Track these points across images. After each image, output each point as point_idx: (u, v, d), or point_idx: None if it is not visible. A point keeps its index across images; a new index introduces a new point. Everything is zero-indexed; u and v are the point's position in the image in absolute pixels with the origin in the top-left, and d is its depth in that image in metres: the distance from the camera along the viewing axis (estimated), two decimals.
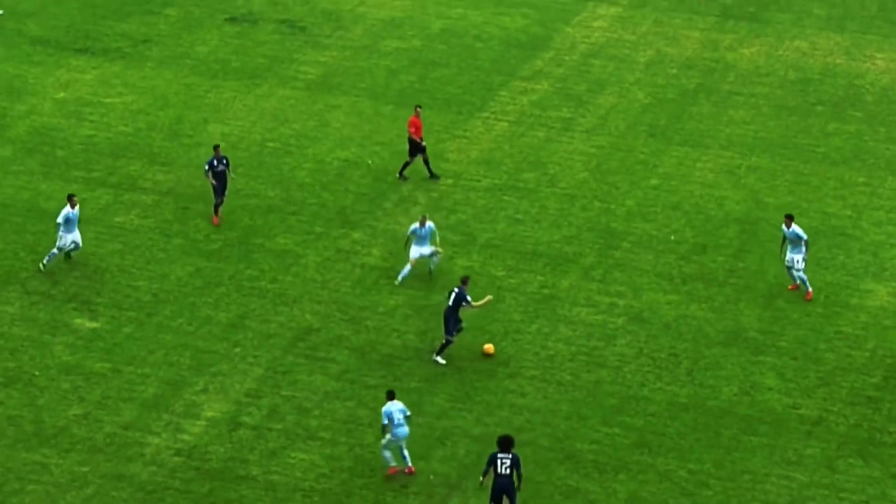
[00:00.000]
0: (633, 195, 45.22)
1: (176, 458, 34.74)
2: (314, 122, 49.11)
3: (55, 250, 40.59)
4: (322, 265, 41.78)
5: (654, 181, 45.89)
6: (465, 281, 37.89)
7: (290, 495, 33.81)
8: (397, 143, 47.81)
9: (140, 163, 46.51)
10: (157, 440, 35.24)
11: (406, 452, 34.03)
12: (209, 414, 36.03)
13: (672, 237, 43.24)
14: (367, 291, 40.72)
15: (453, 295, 37.47)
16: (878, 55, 53.34)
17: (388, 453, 33.95)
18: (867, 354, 38.25)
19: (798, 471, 34.48)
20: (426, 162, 45.47)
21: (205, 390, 36.84)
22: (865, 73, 52.12)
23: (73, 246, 40.65)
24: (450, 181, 45.86)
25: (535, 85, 51.48)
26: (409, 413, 34.09)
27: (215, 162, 42.65)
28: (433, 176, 45.47)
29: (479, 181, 45.89)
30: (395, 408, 33.83)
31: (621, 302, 40.27)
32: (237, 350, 38.26)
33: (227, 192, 43.02)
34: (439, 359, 37.69)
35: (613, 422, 35.99)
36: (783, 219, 40.41)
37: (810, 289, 40.09)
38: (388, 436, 33.82)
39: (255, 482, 34.14)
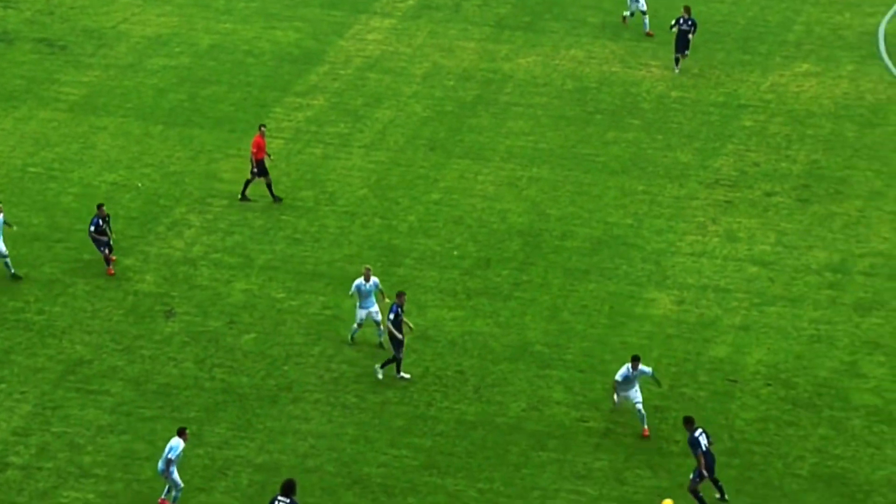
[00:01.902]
0: (415, 210, 45.48)
1: None
2: (79, 145, 48.30)
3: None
4: (92, 293, 41.09)
5: (435, 196, 46.22)
6: (400, 295, 37.74)
7: None
8: (168, 164, 47.31)
9: None
10: None
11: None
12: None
13: (455, 252, 43.60)
14: (140, 319, 40.19)
15: (392, 314, 37.42)
16: (653, 63, 54.60)
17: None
18: (652, 364, 39.03)
19: (588, 484, 35.02)
20: (269, 185, 45.10)
21: None
22: (641, 81, 53.32)
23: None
24: (225, 202, 45.53)
25: (310, 100, 51.46)
26: (169, 456, 33.44)
27: (100, 222, 41.22)
28: (243, 197, 45.06)
29: (255, 201, 45.66)
30: (172, 442, 33.63)
31: (406, 320, 40.39)
32: (2, 387, 37.35)
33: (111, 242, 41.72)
34: (405, 374, 37.96)
35: (401, 443, 36.09)
36: (629, 360, 36.26)
37: (646, 426, 36.38)
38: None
39: None
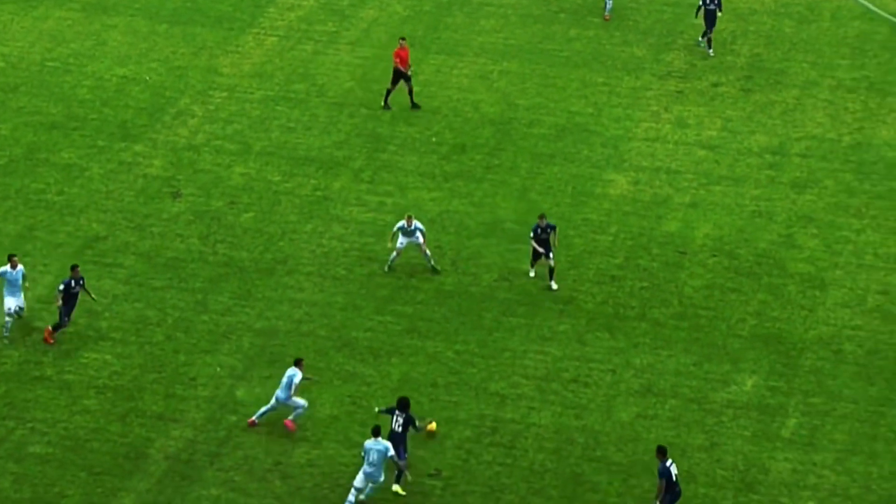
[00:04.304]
0: (396, 101, 45.17)
1: None
2: (92, 42, 47.76)
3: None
4: (106, 177, 40.87)
5: (415, 88, 45.88)
6: (541, 217, 35.68)
7: (84, 392, 33.26)
8: (172, 60, 46.85)
9: None
10: None
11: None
12: (2, 320, 35.06)
13: (433, 139, 43.41)
14: (150, 200, 40.02)
15: (532, 233, 35.89)
16: None
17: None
18: (610, 238, 39.12)
19: (552, 346, 35.20)
20: (410, 92, 43.99)
21: None
22: None
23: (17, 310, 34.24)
24: (224, 94, 45.17)
25: (301, 1, 50.86)
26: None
27: (72, 283, 34.14)
28: (414, 105, 43.97)
29: (252, 93, 45.31)
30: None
31: (389, 200, 40.36)
32: (27, 260, 37.20)
33: (72, 316, 34.36)
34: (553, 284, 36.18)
35: (386, 310, 36.18)
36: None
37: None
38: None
39: (49, 382, 33.47)
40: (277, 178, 41.24)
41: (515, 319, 36.05)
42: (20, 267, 34.31)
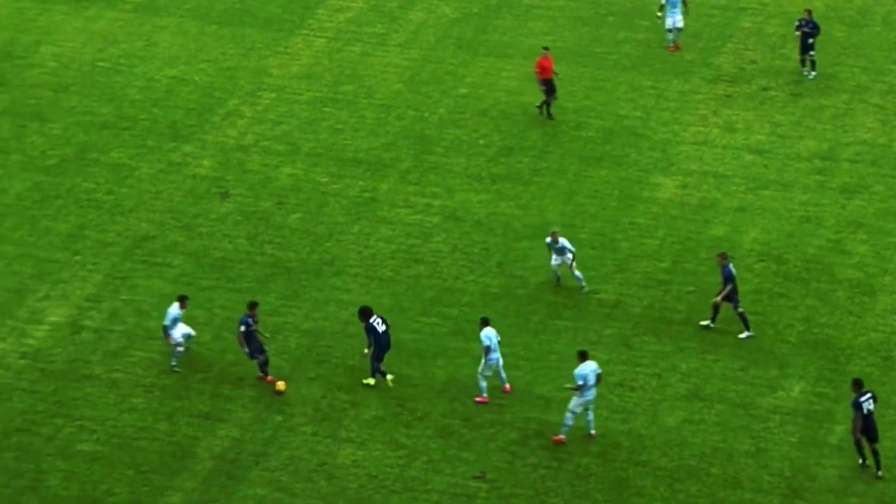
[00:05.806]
0: (445, 103, 45.22)
1: (21, 361, 34.10)
2: (142, 42, 48.06)
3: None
4: (155, 177, 41.11)
5: (463, 90, 45.92)
6: (723, 256, 35.19)
7: (132, 391, 33.47)
8: (222, 61, 47.06)
9: None
10: (2, 345, 34.52)
11: (504, 374, 33.49)
12: (52, 319, 35.36)
13: (481, 141, 43.41)
14: (199, 200, 40.22)
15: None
16: None
17: (483, 383, 33.21)
18: (657, 242, 38.99)
19: (599, 349, 35.11)
20: (549, 103, 43.79)
21: (47, 297, 36.13)
22: None
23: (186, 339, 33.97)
24: (273, 95, 45.34)
25: (350, 3, 50.97)
26: (499, 338, 33.37)
27: (250, 321, 33.35)
28: (549, 117, 43.81)
29: (301, 94, 45.47)
30: (492, 333, 33.16)
31: (436, 202, 40.39)
32: (77, 258, 37.55)
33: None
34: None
35: (432, 312, 36.20)
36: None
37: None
38: (483, 361, 33.16)
39: (98, 380, 33.71)
40: (325, 180, 41.35)
41: (562, 322, 35.98)
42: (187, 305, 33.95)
